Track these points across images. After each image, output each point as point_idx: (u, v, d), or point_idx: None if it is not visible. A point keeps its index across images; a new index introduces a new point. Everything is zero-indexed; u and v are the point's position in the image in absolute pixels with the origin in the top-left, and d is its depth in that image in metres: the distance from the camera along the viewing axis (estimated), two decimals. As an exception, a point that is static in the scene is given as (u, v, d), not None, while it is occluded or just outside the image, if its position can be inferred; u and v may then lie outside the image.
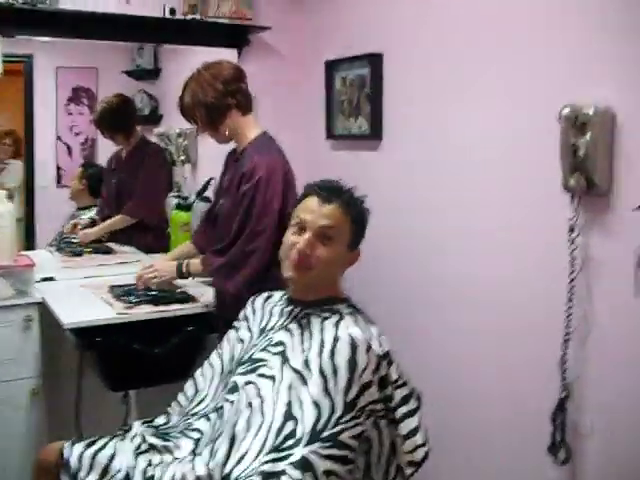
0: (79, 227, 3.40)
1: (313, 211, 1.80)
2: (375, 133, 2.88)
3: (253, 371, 1.78)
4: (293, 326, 1.81)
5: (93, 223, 3.44)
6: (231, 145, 2.61)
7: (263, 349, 1.82)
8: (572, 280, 2.01)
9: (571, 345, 2.03)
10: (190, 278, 2.60)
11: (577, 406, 2.05)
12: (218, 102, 2.46)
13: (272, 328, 1.86)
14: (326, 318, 1.77)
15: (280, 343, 1.79)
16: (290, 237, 1.82)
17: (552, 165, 1.99)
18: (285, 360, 1.73)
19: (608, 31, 1.92)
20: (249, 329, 1.94)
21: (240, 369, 1.83)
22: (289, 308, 1.86)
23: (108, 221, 3.39)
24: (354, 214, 1.84)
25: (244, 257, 2.35)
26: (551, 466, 2.09)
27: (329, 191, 1.83)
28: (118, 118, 3.41)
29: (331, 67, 3.13)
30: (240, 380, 1.79)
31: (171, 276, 2.53)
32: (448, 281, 2.56)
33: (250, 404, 1.71)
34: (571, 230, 2.00)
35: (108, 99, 3.43)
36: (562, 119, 1.93)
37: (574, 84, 2.02)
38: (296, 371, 1.69)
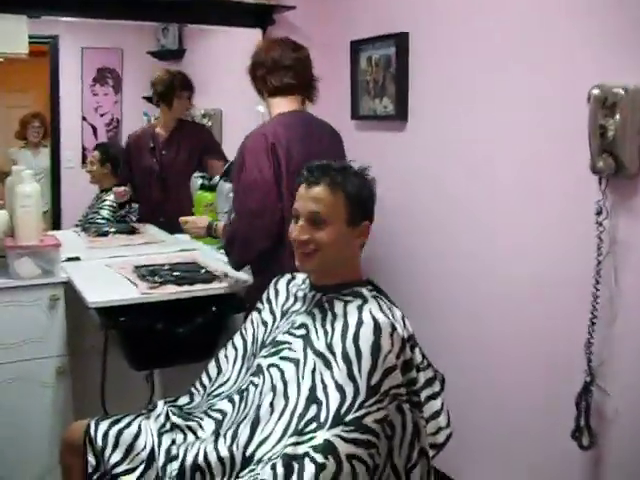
0: None
1: (302, 198, 1.80)
2: (400, 114, 2.86)
3: (276, 354, 1.79)
4: (316, 310, 1.80)
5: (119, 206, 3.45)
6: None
7: (286, 332, 1.82)
8: (599, 263, 1.99)
9: (597, 329, 2.01)
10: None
11: (601, 391, 2.04)
12: (251, 78, 2.58)
13: (295, 311, 1.87)
14: (349, 302, 1.76)
15: (303, 326, 1.79)
16: (291, 227, 1.84)
17: (580, 146, 1.96)
18: (308, 343, 1.73)
19: (636, 10, 1.88)
20: (272, 312, 1.94)
21: (263, 352, 1.83)
22: (311, 293, 1.86)
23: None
24: (347, 189, 1.79)
25: (231, 241, 2.40)
26: (575, 450, 2.07)
27: (315, 173, 1.80)
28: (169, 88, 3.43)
29: (356, 47, 3.10)
30: (264, 363, 1.79)
31: (202, 232, 2.59)
32: (476, 259, 2.54)
33: (274, 387, 1.71)
34: (598, 213, 1.97)
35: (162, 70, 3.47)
36: (591, 100, 1.90)
37: (604, 64, 1.98)
38: (319, 354, 1.68)
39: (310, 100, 2.58)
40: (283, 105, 2.50)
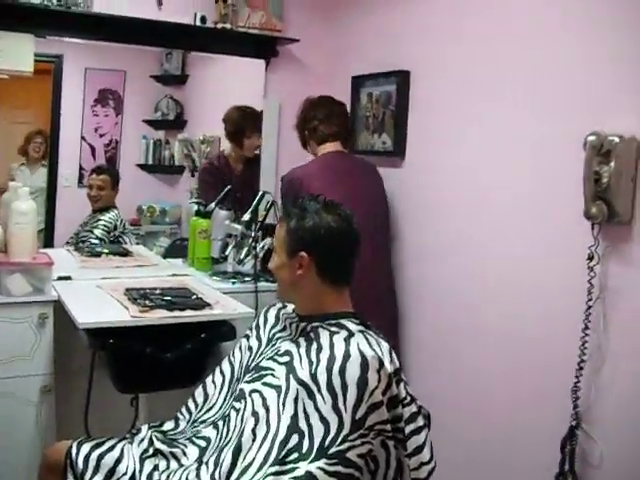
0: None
1: None
2: (399, 150, 2.89)
3: (259, 379, 1.78)
4: (301, 339, 1.81)
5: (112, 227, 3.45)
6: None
7: (270, 358, 1.82)
8: (589, 308, 2.00)
9: (584, 373, 2.01)
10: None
11: (587, 435, 2.03)
12: (299, 131, 3.03)
13: (280, 338, 1.87)
14: (335, 333, 1.76)
15: (287, 353, 1.79)
16: None
17: (574, 192, 1.98)
18: (291, 371, 1.72)
19: (635, 60, 1.92)
20: (258, 338, 1.94)
21: (247, 377, 1.83)
22: (297, 323, 1.87)
23: None
24: (290, 222, 1.85)
25: None
26: (558, 495, 2.07)
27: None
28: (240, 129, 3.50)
29: (357, 82, 3.14)
30: (246, 388, 1.79)
31: None
32: (465, 304, 2.55)
33: (255, 413, 1.71)
34: (590, 258, 1.99)
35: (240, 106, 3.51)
36: (587, 146, 1.93)
37: (600, 112, 2.01)
38: (302, 383, 1.68)
39: (346, 144, 2.99)
40: (329, 149, 2.91)
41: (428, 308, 2.76)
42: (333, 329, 1.77)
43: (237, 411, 1.76)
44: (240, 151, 3.53)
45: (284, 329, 1.90)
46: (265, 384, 1.76)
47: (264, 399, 1.72)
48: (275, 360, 1.80)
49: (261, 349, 1.89)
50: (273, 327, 1.94)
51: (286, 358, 1.77)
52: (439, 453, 1.80)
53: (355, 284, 1.89)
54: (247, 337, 1.99)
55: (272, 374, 1.77)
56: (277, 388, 1.72)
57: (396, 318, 2.88)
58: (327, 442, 1.57)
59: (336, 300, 1.85)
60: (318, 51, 3.42)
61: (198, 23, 3.13)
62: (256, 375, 1.80)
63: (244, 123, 3.47)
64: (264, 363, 1.82)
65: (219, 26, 3.16)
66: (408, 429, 1.75)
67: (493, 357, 2.41)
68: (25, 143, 3.41)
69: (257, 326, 1.99)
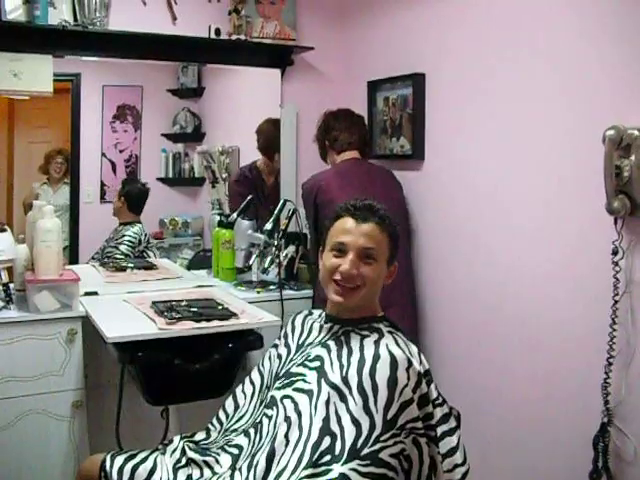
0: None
1: (351, 232, 1.80)
2: (417, 153, 2.89)
3: (290, 385, 1.79)
4: (331, 342, 1.81)
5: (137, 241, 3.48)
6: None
7: (300, 364, 1.82)
8: (615, 303, 1.99)
9: (614, 369, 2.00)
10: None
11: (620, 432, 2.02)
12: (319, 142, 3.10)
13: (310, 344, 1.87)
14: (365, 336, 1.77)
15: (318, 358, 1.79)
16: (331, 260, 1.81)
17: (596, 187, 1.98)
18: (322, 375, 1.73)
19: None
20: (287, 345, 1.95)
21: (277, 384, 1.84)
22: (328, 325, 1.86)
23: None
24: (390, 231, 1.83)
25: None
26: (593, 492, 2.05)
27: (364, 210, 1.82)
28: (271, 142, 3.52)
29: (373, 87, 3.15)
30: (277, 394, 1.80)
31: None
32: (488, 304, 2.55)
33: (287, 418, 1.71)
34: (614, 253, 1.98)
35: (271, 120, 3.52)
36: (606, 141, 1.92)
37: (618, 106, 2.01)
38: (334, 386, 1.68)
39: (365, 153, 3.03)
40: (347, 156, 2.96)
41: (449, 309, 2.75)
42: (364, 332, 1.78)
43: (269, 418, 1.77)
44: (271, 163, 3.55)
45: (311, 334, 1.90)
46: (296, 389, 1.76)
47: (296, 404, 1.73)
48: (306, 366, 1.80)
49: (290, 356, 1.90)
50: (301, 334, 1.94)
51: (317, 363, 1.78)
52: (468, 453, 1.80)
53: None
54: (276, 346, 2.00)
55: (303, 379, 1.77)
56: (309, 392, 1.72)
57: (417, 321, 2.89)
58: (359, 443, 1.57)
59: (377, 303, 1.87)
60: (333, 58, 3.44)
61: (213, 36, 3.16)
62: (287, 381, 1.81)
63: (276, 136, 3.48)
64: (294, 369, 1.82)
65: (234, 37, 3.19)
66: (441, 430, 1.75)
67: (520, 357, 2.40)
68: (45, 163, 3.45)
69: (285, 334, 1.99)
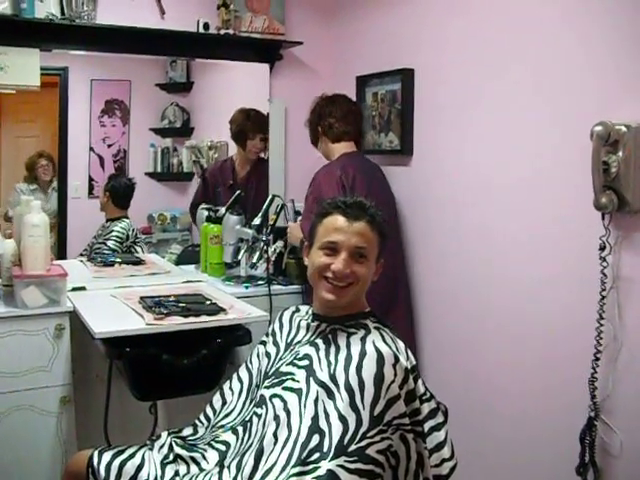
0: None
1: (343, 230, 1.78)
2: (406, 148, 2.90)
3: (279, 384, 1.79)
4: (319, 341, 1.81)
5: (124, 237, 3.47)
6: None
7: (289, 363, 1.82)
8: (603, 298, 2.00)
9: (601, 364, 2.01)
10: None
11: (606, 426, 2.03)
12: (311, 127, 3.00)
13: (299, 342, 1.87)
14: (352, 333, 1.77)
15: (306, 357, 1.79)
16: (322, 259, 1.79)
17: (583, 183, 1.98)
18: (311, 373, 1.73)
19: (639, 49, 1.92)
20: (276, 343, 1.94)
21: (266, 382, 1.83)
22: (315, 323, 1.86)
23: None
24: (380, 229, 1.82)
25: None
26: (580, 486, 2.07)
27: (355, 208, 1.81)
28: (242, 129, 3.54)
29: (362, 82, 3.15)
30: (267, 393, 1.79)
31: (297, 242, 2.83)
32: (476, 298, 2.55)
33: (277, 417, 1.71)
34: (602, 248, 1.98)
35: (244, 110, 3.54)
36: (594, 137, 1.92)
37: (606, 102, 2.01)
38: (322, 385, 1.69)
39: (359, 145, 2.99)
40: (345, 148, 2.90)
41: (438, 303, 2.76)
42: (351, 330, 1.78)
43: (259, 417, 1.77)
44: (244, 153, 3.57)
45: (299, 332, 1.90)
46: (285, 388, 1.76)
47: (285, 402, 1.73)
48: (295, 365, 1.80)
49: (279, 355, 1.89)
50: (289, 332, 1.93)
51: (305, 362, 1.78)
52: (456, 447, 1.80)
53: (377, 286, 1.90)
54: (264, 343, 1.99)
55: (292, 378, 1.77)
56: (297, 391, 1.72)
57: (412, 315, 2.90)
58: (346, 440, 1.57)
59: (363, 298, 1.87)
60: (322, 52, 3.44)
61: (201, 30, 3.15)
62: (276, 380, 1.81)
63: (247, 124, 3.51)
64: (284, 368, 1.82)
65: (222, 32, 3.18)
66: (428, 425, 1.76)
67: (506, 351, 2.41)
68: (30, 170, 3.40)
69: (273, 332, 1.99)
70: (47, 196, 3.43)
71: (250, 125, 3.52)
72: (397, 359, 1.66)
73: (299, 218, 3.04)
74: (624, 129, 1.90)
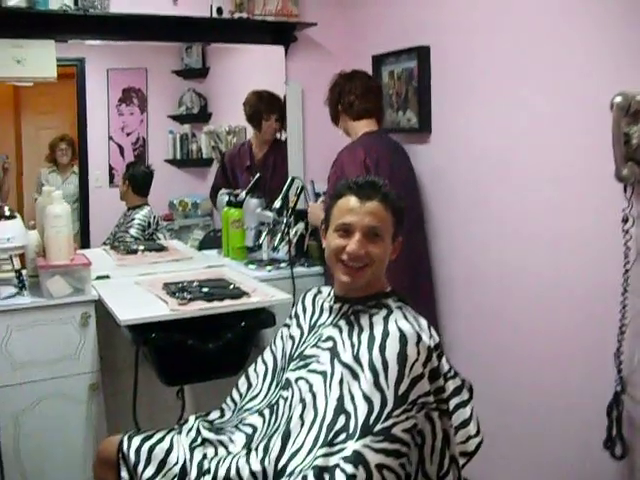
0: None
1: (355, 211, 1.77)
2: (424, 126, 2.88)
3: (304, 367, 1.80)
4: (342, 322, 1.81)
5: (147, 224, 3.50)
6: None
7: (313, 345, 1.83)
8: (627, 271, 1.98)
9: (626, 337, 2.00)
10: None
11: (633, 400, 2.02)
12: (331, 105, 2.95)
13: (322, 324, 1.87)
14: (374, 314, 1.77)
15: (330, 338, 1.80)
16: (337, 241, 1.78)
17: (604, 155, 1.96)
18: (335, 355, 1.74)
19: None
20: (299, 326, 1.95)
21: (292, 365, 1.85)
22: (337, 305, 1.86)
23: None
24: (394, 207, 1.80)
25: None
26: (608, 460, 2.06)
27: (366, 188, 1.79)
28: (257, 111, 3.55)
29: (378, 61, 3.13)
30: (292, 376, 1.81)
31: (318, 222, 2.73)
32: (499, 273, 2.54)
33: (303, 400, 1.72)
34: (625, 220, 1.96)
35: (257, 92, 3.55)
36: (614, 108, 1.90)
37: (626, 72, 1.98)
38: (347, 366, 1.69)
39: (381, 122, 2.94)
40: (366, 126, 2.85)
41: (462, 279, 2.75)
42: (373, 310, 1.78)
43: (285, 399, 1.78)
44: (260, 135, 3.58)
45: (322, 314, 1.90)
46: (310, 371, 1.77)
47: (310, 385, 1.74)
48: (319, 347, 1.81)
49: (304, 337, 1.90)
50: (312, 314, 1.94)
51: (329, 344, 1.78)
52: (482, 422, 1.81)
53: (398, 265, 1.89)
54: (287, 326, 2.00)
55: (317, 360, 1.78)
56: (322, 374, 1.73)
57: (434, 292, 2.90)
58: (372, 420, 1.58)
59: (384, 278, 1.86)
60: (336, 33, 3.42)
61: (214, 15, 3.14)
62: (301, 363, 1.82)
63: (260, 105, 3.52)
64: (308, 351, 1.83)
65: (236, 16, 3.17)
66: (453, 402, 1.76)
67: (535, 328, 2.40)
68: (51, 152, 3.46)
69: (296, 314, 1.99)
70: (65, 178, 3.46)
71: (264, 106, 3.52)
72: (420, 338, 1.66)
73: (320, 199, 3.04)
74: (645, 99, 1.87)
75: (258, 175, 3.28)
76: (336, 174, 2.72)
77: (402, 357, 1.62)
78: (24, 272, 2.65)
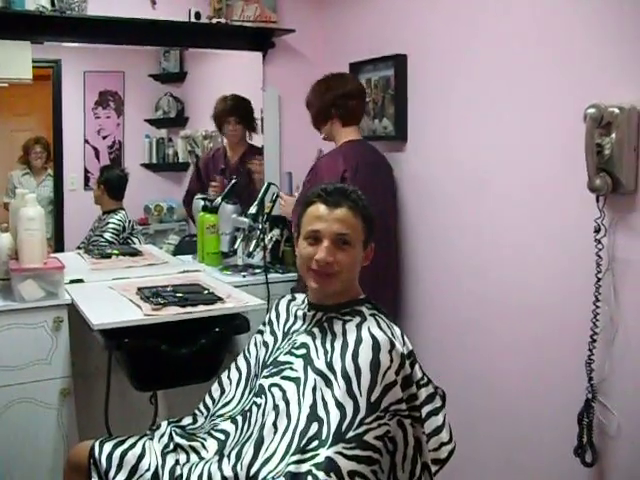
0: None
1: (324, 218, 1.76)
2: (400, 134, 2.89)
3: (278, 374, 1.80)
4: (315, 330, 1.81)
5: (121, 228, 3.48)
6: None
7: (287, 352, 1.83)
8: (598, 280, 2.00)
9: (597, 346, 2.02)
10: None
11: (604, 407, 2.04)
12: (324, 109, 2.81)
13: (296, 331, 1.87)
14: (348, 321, 1.77)
15: (303, 345, 1.80)
16: (307, 249, 1.78)
17: (577, 165, 1.98)
18: (308, 362, 1.74)
19: (632, 32, 1.92)
20: (273, 333, 1.95)
21: (265, 372, 1.84)
22: (311, 313, 1.86)
23: None
24: (363, 213, 1.80)
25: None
26: (579, 467, 2.08)
27: (335, 195, 1.79)
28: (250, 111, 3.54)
29: (356, 69, 3.14)
30: (266, 383, 1.80)
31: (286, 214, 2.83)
32: (473, 281, 2.56)
33: (276, 406, 1.72)
34: (597, 230, 1.99)
35: (230, 95, 3.55)
36: (587, 119, 1.92)
37: (599, 84, 2.01)
38: (320, 373, 1.69)
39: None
40: (351, 134, 2.81)
41: (435, 287, 2.76)
42: (347, 317, 1.78)
43: (258, 406, 1.78)
44: (226, 138, 3.60)
45: (296, 321, 1.91)
46: (284, 377, 1.77)
47: (284, 392, 1.73)
48: (292, 354, 1.81)
49: (277, 344, 1.90)
50: (286, 321, 1.93)
51: (303, 350, 1.78)
52: (454, 430, 1.82)
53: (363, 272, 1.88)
54: (261, 332, 1.99)
55: (290, 367, 1.78)
56: (296, 380, 1.73)
57: (398, 302, 2.92)
58: (344, 427, 1.58)
59: (357, 285, 1.86)
60: (314, 40, 3.43)
61: (193, 19, 3.14)
62: (274, 370, 1.81)
63: (221, 108, 3.54)
64: (282, 358, 1.83)
65: (214, 21, 3.17)
66: (426, 410, 1.76)
67: (506, 334, 2.42)
68: (24, 153, 3.42)
69: (270, 321, 1.99)
70: (39, 181, 3.43)
71: (225, 110, 3.53)
72: (393, 345, 1.66)
73: (296, 193, 3.03)
74: (617, 111, 1.90)
75: (233, 182, 3.27)
76: (311, 182, 2.69)
77: (375, 364, 1.62)
78: (-4, 275, 2.62)
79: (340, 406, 1.61)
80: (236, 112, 3.52)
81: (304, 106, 2.93)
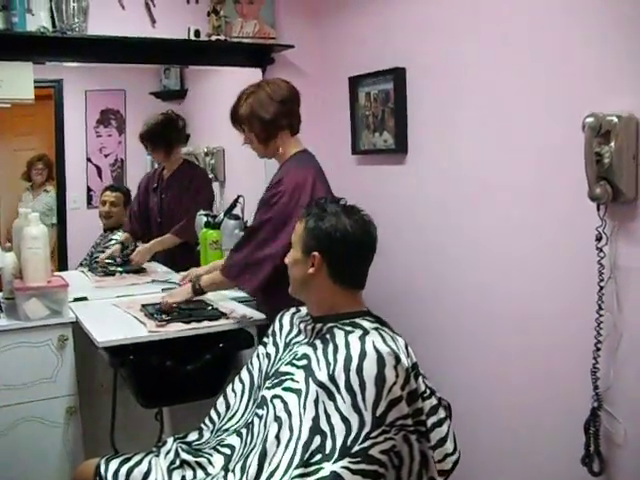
0: (118, 252, 3.45)
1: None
2: (400, 147, 2.90)
3: (279, 385, 1.80)
4: (317, 341, 1.82)
5: (123, 246, 3.48)
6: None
7: (288, 363, 1.84)
8: (601, 289, 2.00)
9: (602, 354, 2.02)
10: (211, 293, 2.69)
11: (610, 416, 2.04)
12: (275, 120, 2.50)
13: (297, 342, 1.89)
14: (349, 332, 1.77)
15: (305, 356, 1.80)
16: None
17: (577, 175, 1.99)
18: (310, 374, 1.74)
19: (630, 39, 1.93)
20: (275, 344, 1.96)
21: (267, 383, 1.85)
22: (312, 325, 1.89)
23: (157, 240, 3.43)
24: (308, 221, 1.88)
25: (259, 261, 2.40)
26: (586, 476, 2.07)
27: (313, 207, 1.93)
28: (161, 134, 3.49)
29: (355, 83, 3.15)
30: (267, 394, 1.81)
31: (186, 296, 2.58)
32: (475, 294, 2.56)
33: (278, 418, 1.72)
34: (598, 239, 1.99)
35: (155, 115, 3.52)
36: (586, 128, 1.93)
37: (597, 93, 2.02)
38: (321, 385, 1.69)
39: None
40: (298, 144, 2.59)
41: (436, 301, 2.76)
42: (348, 328, 1.79)
43: (260, 418, 1.78)
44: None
45: (299, 333, 1.92)
46: (285, 389, 1.77)
47: (285, 404, 1.74)
48: (294, 364, 1.81)
49: (279, 355, 1.91)
50: (289, 333, 1.95)
51: (304, 362, 1.79)
52: (459, 442, 1.81)
53: None
54: (264, 344, 2.01)
55: (291, 378, 1.78)
56: (297, 392, 1.73)
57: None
58: (349, 441, 1.58)
59: (349, 301, 1.87)
60: (313, 55, 3.44)
61: (192, 37, 3.16)
62: (276, 381, 1.82)
63: (139, 132, 3.53)
64: (283, 368, 1.84)
65: (213, 38, 3.19)
66: (430, 422, 1.77)
67: (510, 344, 2.41)
68: (27, 170, 3.47)
69: (273, 332, 2.01)
70: (36, 195, 3.46)
71: (140, 136, 3.53)
72: (398, 360, 1.66)
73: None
74: (615, 120, 1.91)
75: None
76: (284, 197, 2.41)
77: (380, 379, 1.63)
78: (0, 294, 2.63)
79: (345, 420, 1.61)
80: (147, 141, 3.52)
81: (304, 120, 2.79)
